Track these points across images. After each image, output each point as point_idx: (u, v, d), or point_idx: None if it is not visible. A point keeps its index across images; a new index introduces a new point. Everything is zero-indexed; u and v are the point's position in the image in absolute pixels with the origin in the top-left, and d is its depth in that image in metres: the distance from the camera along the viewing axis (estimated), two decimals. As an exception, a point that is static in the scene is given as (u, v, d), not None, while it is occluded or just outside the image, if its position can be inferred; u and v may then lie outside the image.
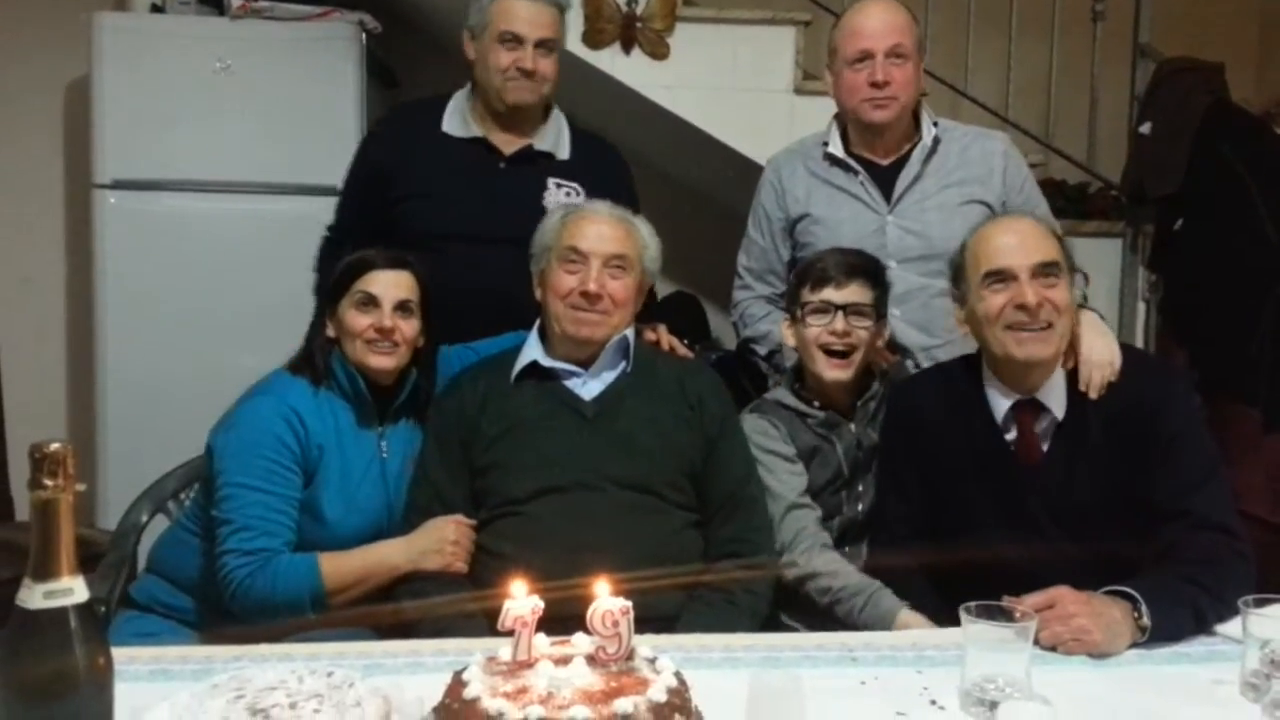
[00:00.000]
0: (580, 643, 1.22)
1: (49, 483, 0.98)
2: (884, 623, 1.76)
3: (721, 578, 1.83)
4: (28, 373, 3.70)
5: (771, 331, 2.28)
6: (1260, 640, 1.36)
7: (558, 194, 2.27)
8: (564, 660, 1.17)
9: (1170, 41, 3.35)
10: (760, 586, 1.86)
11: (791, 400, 2.05)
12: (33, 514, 1.00)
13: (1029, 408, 1.78)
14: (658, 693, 1.10)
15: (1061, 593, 1.53)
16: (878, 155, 2.27)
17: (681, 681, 1.16)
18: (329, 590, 1.80)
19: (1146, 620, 1.52)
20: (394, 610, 1.79)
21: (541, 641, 1.21)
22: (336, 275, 1.96)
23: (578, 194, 2.26)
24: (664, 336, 2.18)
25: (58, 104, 3.85)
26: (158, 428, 3.00)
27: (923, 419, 1.87)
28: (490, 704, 1.08)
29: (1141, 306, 3.31)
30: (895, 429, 1.94)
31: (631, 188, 2.38)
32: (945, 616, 1.69)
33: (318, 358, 1.94)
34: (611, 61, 3.19)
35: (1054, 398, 1.77)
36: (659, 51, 3.21)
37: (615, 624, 1.18)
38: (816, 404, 2.03)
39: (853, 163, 2.26)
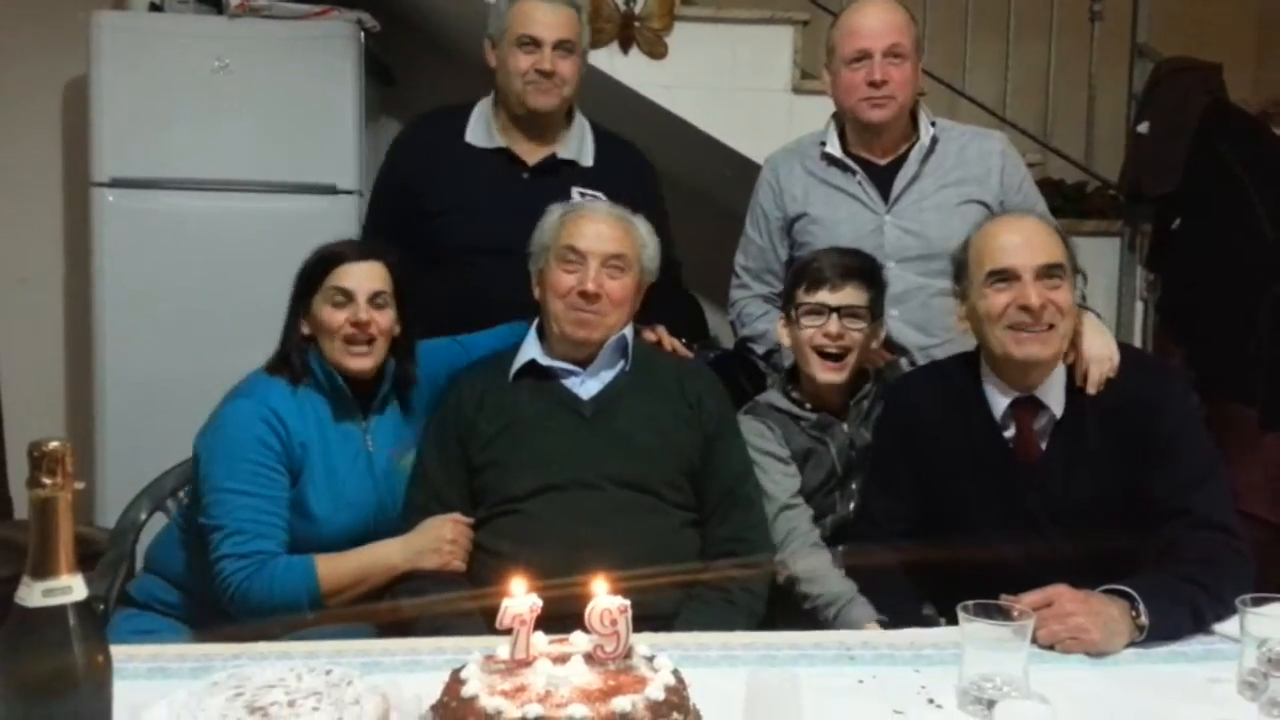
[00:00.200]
0: (578, 641, 1.22)
1: (48, 481, 0.98)
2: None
3: (719, 576, 1.83)
4: (26, 371, 3.69)
5: (769, 331, 2.27)
6: (1258, 639, 1.36)
7: None
8: (562, 658, 1.17)
9: (1168, 41, 3.35)
10: (758, 585, 1.86)
11: (784, 403, 2.05)
12: (31, 512, 1.00)
13: (1028, 405, 1.77)
14: (655, 691, 1.10)
15: (1059, 591, 1.53)
16: (875, 155, 2.27)
17: (679, 680, 1.16)
18: (326, 591, 1.79)
19: (1144, 619, 1.52)
20: (392, 608, 1.79)
21: (539, 640, 1.21)
22: (307, 270, 1.94)
23: None
24: (665, 338, 2.18)
25: (56, 103, 3.84)
26: (156, 426, 2.97)
27: (920, 416, 1.86)
28: (488, 702, 1.08)
29: (1139, 305, 3.32)
30: (891, 426, 1.93)
31: (656, 191, 2.38)
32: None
33: (294, 356, 1.92)
34: (610, 61, 3.18)
35: (1053, 396, 1.77)
36: (657, 51, 3.21)
37: (613, 622, 1.18)
38: (808, 406, 2.03)
39: (850, 162, 2.26)
